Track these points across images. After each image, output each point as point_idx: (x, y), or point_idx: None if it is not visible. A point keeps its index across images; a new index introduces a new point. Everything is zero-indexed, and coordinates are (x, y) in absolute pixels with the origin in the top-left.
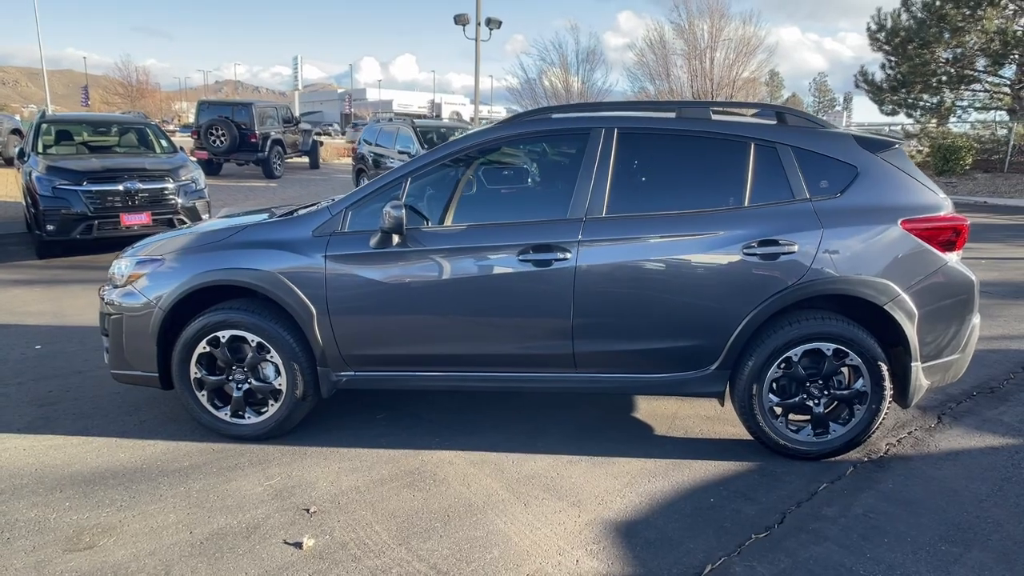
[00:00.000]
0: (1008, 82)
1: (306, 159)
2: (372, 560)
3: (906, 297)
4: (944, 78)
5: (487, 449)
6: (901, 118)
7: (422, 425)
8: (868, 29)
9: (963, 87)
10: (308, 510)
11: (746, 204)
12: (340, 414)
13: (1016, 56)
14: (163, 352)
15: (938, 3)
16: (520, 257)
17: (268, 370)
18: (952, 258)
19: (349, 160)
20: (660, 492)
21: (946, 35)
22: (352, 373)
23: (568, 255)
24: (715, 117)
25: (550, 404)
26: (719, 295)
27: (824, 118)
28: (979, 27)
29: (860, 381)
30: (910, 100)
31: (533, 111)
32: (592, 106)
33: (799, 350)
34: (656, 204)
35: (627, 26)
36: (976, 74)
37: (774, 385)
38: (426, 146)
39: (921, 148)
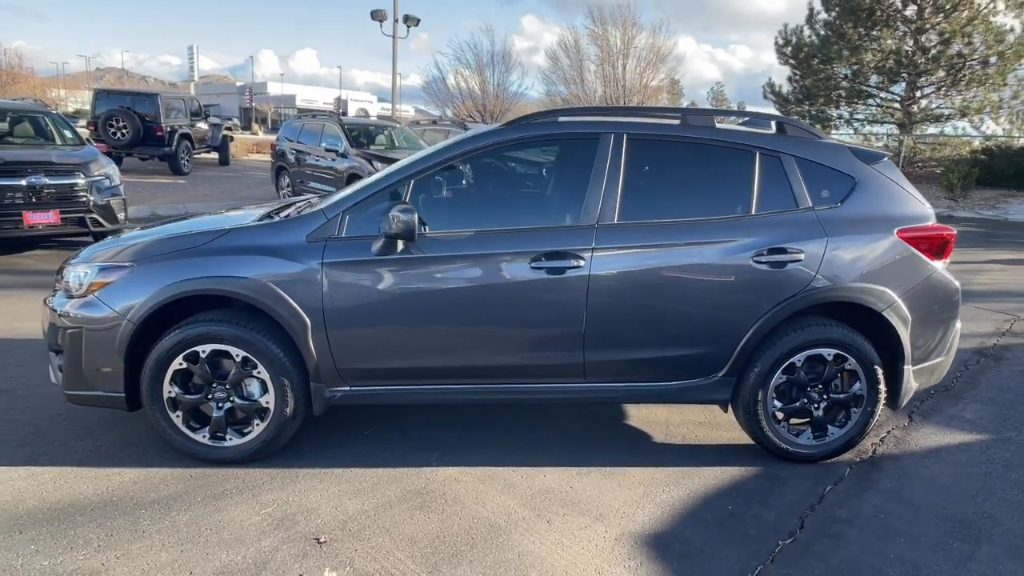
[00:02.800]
0: (899, 98)
1: (215, 155)
2: None
3: (901, 303)
4: (843, 92)
5: (491, 464)
6: None
7: (414, 441)
8: (776, 43)
9: (859, 101)
10: (318, 540)
11: (753, 212)
12: (325, 431)
13: (906, 75)
14: (130, 369)
15: (838, 22)
16: (532, 264)
17: (253, 387)
18: (939, 266)
19: (260, 157)
20: (678, 501)
21: (846, 52)
22: (347, 388)
23: (582, 263)
24: (719, 125)
25: (538, 415)
26: (730, 303)
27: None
28: (876, 46)
29: (857, 385)
30: (813, 112)
31: (539, 114)
32: (597, 110)
33: (802, 356)
34: (666, 211)
35: (531, 29)
36: (871, 90)
37: (777, 391)
38: (354, 144)
39: None
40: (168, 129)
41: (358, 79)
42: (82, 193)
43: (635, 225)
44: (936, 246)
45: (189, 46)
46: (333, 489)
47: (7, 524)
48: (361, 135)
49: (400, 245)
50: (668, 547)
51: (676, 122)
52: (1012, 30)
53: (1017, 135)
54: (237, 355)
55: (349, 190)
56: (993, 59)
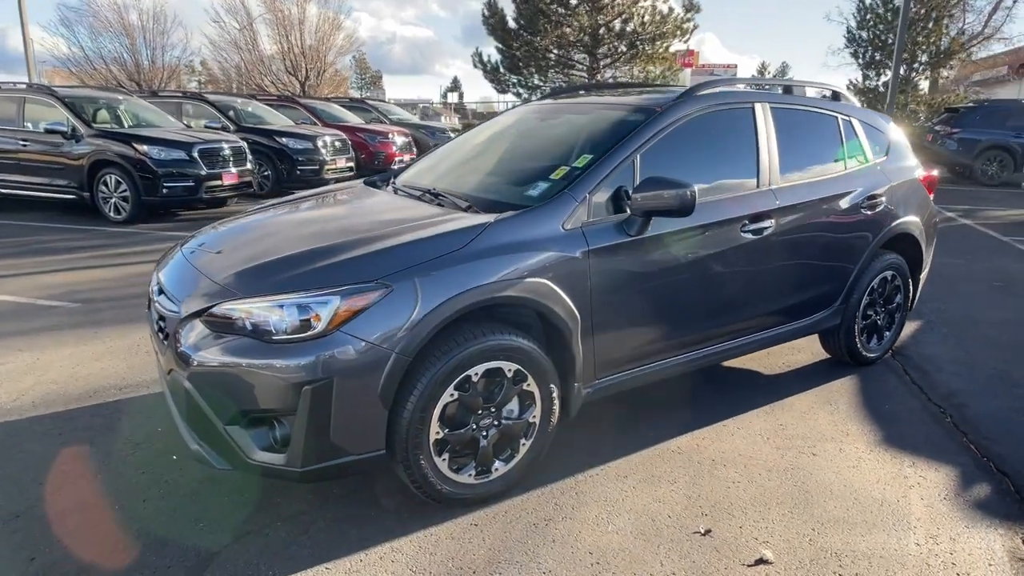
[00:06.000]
0: (585, 66)
1: None
2: (817, 545)
3: (924, 229)
4: (547, 63)
5: (689, 429)
6: (509, 97)
7: (598, 427)
8: (483, 15)
9: (559, 71)
10: (702, 532)
11: (847, 168)
12: None
13: (593, 50)
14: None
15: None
16: (742, 228)
17: (512, 404)
18: (931, 199)
19: None
20: (855, 413)
21: (550, 27)
22: (598, 382)
23: (771, 222)
24: (808, 94)
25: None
26: (851, 242)
27: (368, 94)
28: (572, 22)
29: (899, 296)
30: (522, 81)
31: (700, 86)
32: (724, 81)
33: (877, 280)
34: (801, 171)
35: None
36: (566, 60)
37: (862, 310)
38: (90, 120)
39: None
40: None
41: None
42: None
43: (793, 185)
44: (933, 186)
45: None
46: (612, 488)
47: None
48: (93, 110)
49: (650, 224)
50: (904, 445)
51: (780, 91)
52: (663, 15)
53: None
54: (509, 370)
55: (577, 170)
56: (657, 38)
